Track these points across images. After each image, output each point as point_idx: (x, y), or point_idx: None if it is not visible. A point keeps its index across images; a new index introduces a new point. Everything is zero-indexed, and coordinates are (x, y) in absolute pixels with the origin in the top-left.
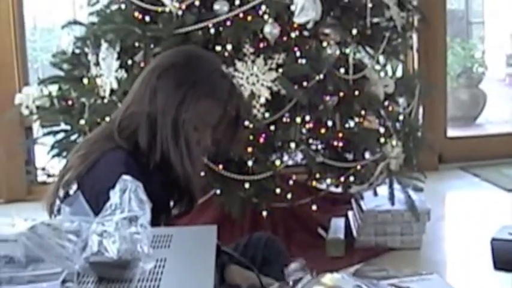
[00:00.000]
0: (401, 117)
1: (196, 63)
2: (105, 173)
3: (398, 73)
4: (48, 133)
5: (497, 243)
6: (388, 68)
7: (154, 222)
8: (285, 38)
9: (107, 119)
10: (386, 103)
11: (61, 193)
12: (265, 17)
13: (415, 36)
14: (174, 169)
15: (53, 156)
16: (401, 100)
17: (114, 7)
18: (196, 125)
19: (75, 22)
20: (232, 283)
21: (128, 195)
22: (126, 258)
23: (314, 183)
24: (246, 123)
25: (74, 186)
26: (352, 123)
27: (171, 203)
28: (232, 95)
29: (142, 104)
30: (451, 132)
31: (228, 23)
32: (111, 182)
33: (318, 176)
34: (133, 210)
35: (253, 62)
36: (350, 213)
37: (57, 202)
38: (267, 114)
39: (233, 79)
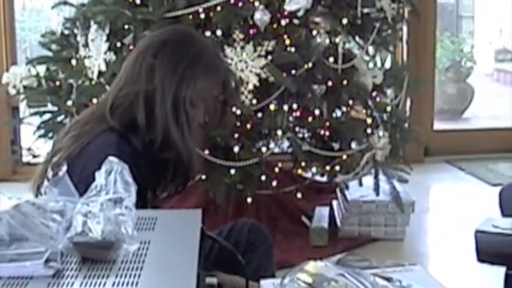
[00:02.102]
0: (388, 109)
1: (190, 41)
2: (96, 155)
3: (387, 64)
4: (35, 113)
5: (481, 235)
6: (377, 58)
7: (141, 203)
8: (275, 25)
9: (94, 100)
10: (374, 94)
11: (50, 174)
12: (256, 3)
13: (405, 28)
14: (175, 146)
15: (39, 136)
16: (389, 91)
17: None
18: (194, 101)
19: (65, 3)
20: None
21: (114, 177)
22: (110, 239)
23: (299, 171)
24: (234, 109)
25: (64, 168)
26: (339, 113)
27: (162, 184)
28: (227, 71)
29: (139, 83)
30: (438, 125)
31: (219, 8)
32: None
33: (303, 164)
34: (118, 192)
35: (242, 48)
36: (334, 203)
37: (46, 183)
38: (254, 101)
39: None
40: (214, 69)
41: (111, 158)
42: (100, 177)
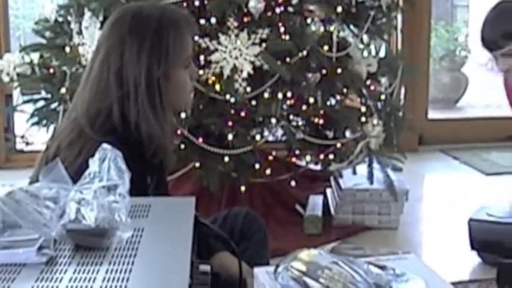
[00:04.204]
0: (383, 97)
1: (146, 12)
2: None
3: (382, 53)
4: (29, 101)
5: (475, 224)
6: (372, 47)
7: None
8: (269, 13)
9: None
10: (368, 82)
11: None
12: None
13: (399, 17)
14: (155, 135)
15: (33, 124)
16: (383, 80)
17: None
18: (184, 62)
19: None
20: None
21: (107, 164)
22: (103, 227)
23: (293, 159)
24: (228, 97)
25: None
26: (333, 101)
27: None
28: (190, 19)
29: (110, 93)
30: (432, 114)
31: None
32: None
33: (297, 152)
34: (112, 179)
35: (236, 36)
36: (328, 191)
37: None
38: (248, 89)
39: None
40: (182, 24)
41: (104, 145)
42: (94, 164)
